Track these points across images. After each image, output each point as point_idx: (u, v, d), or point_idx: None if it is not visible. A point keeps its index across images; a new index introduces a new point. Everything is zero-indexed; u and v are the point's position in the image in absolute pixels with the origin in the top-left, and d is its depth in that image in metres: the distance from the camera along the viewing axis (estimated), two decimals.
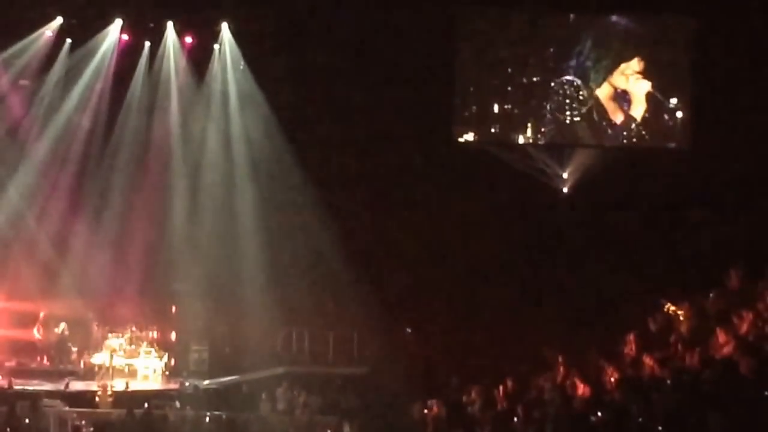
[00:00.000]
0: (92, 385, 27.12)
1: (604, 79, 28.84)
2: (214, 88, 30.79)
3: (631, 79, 28.72)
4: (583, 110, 28.79)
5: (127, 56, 30.22)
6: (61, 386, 26.89)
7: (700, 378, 16.05)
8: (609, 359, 20.02)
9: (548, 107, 28.84)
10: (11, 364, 28.88)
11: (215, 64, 30.73)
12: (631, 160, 28.44)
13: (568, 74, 28.80)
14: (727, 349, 17.11)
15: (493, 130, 29.21)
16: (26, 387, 26.63)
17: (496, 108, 29.03)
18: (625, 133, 28.81)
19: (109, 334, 29.52)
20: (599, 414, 16.84)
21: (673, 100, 28.44)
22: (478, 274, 28.54)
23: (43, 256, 29.67)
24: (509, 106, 29.02)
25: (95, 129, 30.28)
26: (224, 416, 23.77)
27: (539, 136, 29.07)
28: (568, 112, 28.83)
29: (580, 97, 28.78)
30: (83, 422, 23.43)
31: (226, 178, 30.49)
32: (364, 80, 28.80)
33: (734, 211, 26.59)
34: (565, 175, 29.43)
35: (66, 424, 23.58)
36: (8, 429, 22.64)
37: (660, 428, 15.35)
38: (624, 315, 22.70)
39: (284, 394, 26.41)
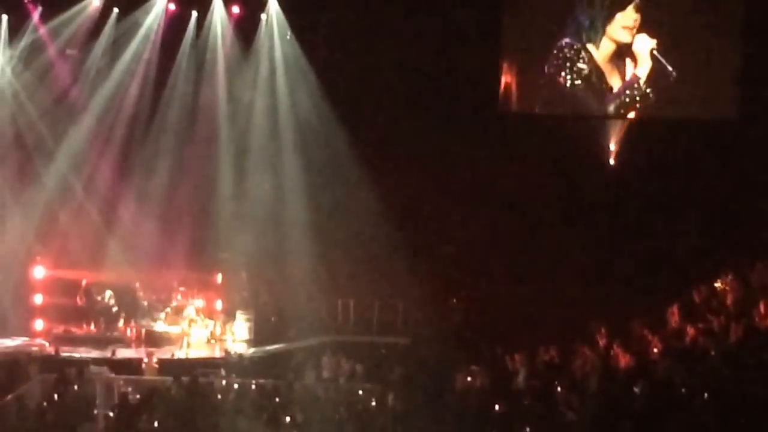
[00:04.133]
0: (138, 353, 27.45)
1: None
2: (261, 59, 30.82)
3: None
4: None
5: (174, 26, 30.36)
6: (107, 353, 27.12)
7: (744, 348, 16.02)
8: (652, 330, 20.00)
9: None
10: (59, 331, 29.27)
11: (262, 35, 30.77)
12: (676, 131, 28.19)
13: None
14: None
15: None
16: (73, 354, 26.99)
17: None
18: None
19: (156, 303, 29.82)
20: (642, 384, 16.81)
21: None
22: (522, 245, 28.48)
23: (91, 225, 29.91)
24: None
25: (142, 99, 30.41)
26: (269, 384, 23.83)
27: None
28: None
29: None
30: (129, 389, 23.58)
31: (273, 148, 30.54)
32: (413, 48, 28.72)
33: None
34: (611, 147, 29.25)
35: (112, 390, 23.71)
36: (56, 395, 22.86)
37: (704, 398, 15.32)
38: (668, 285, 22.58)
39: (329, 363, 26.45)
